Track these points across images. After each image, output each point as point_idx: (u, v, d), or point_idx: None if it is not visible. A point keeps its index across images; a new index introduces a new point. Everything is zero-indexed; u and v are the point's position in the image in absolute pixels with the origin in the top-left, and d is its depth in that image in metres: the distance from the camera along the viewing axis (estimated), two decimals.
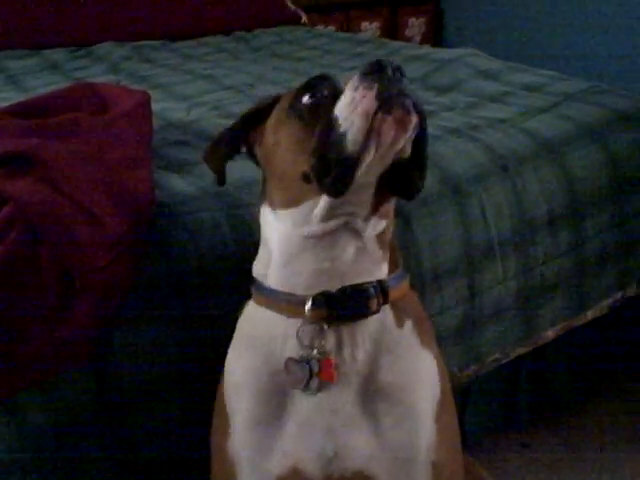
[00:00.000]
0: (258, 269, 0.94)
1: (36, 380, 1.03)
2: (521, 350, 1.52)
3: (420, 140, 0.82)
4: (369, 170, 0.80)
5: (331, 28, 3.73)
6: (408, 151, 0.82)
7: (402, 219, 1.30)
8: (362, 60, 2.30)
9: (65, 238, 1.03)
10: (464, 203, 1.38)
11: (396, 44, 2.60)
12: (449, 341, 1.40)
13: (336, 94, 0.83)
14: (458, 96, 1.81)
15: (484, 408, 1.60)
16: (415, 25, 4.12)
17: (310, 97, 0.86)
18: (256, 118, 0.97)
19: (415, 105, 0.79)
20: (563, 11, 3.55)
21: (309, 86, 0.87)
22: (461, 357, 1.42)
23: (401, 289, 0.92)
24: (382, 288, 0.88)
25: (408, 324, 0.91)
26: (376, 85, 0.78)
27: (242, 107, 1.73)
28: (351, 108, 0.78)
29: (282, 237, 0.88)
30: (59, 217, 1.04)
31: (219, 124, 1.53)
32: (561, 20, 3.56)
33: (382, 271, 0.90)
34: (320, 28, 3.54)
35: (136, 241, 1.08)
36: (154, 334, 1.10)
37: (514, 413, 1.66)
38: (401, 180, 0.84)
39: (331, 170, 0.79)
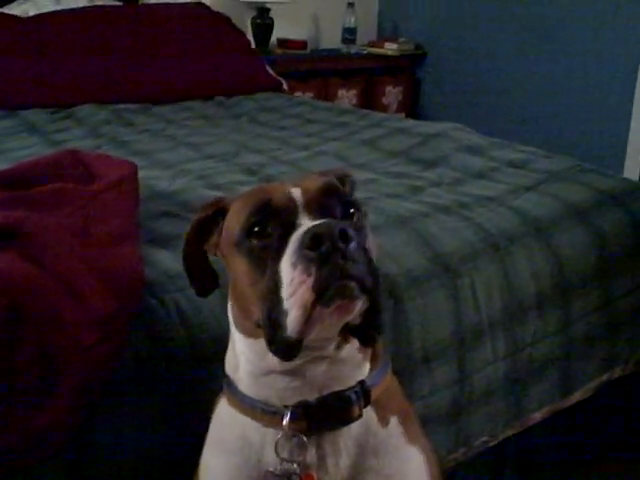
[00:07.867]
0: (230, 368, 0.89)
1: (6, 471, 0.96)
2: (509, 432, 1.49)
3: (373, 305, 0.74)
4: (320, 334, 0.74)
5: (309, 95, 3.77)
6: (358, 320, 0.75)
7: (393, 299, 1.28)
8: (344, 130, 2.31)
9: (48, 316, 0.98)
10: (455, 283, 1.36)
11: (378, 116, 2.59)
12: (438, 423, 1.36)
13: (286, 232, 0.75)
14: (444, 171, 1.81)
15: None
16: (392, 93, 4.19)
17: (258, 236, 0.77)
18: (211, 221, 0.89)
19: (363, 282, 0.71)
20: (536, 83, 3.64)
21: (257, 222, 0.78)
22: (450, 440, 1.39)
23: (384, 384, 0.87)
24: (364, 390, 0.83)
25: (393, 421, 0.87)
26: (314, 271, 0.70)
27: (227, 177, 1.73)
28: (290, 291, 0.71)
29: (246, 359, 0.84)
30: (42, 294, 0.99)
31: (205, 195, 1.51)
32: (535, 92, 3.65)
33: (363, 371, 0.85)
34: (299, 95, 3.57)
35: (123, 321, 1.04)
36: (139, 419, 1.04)
37: None
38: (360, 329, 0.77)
39: (277, 338, 0.73)
